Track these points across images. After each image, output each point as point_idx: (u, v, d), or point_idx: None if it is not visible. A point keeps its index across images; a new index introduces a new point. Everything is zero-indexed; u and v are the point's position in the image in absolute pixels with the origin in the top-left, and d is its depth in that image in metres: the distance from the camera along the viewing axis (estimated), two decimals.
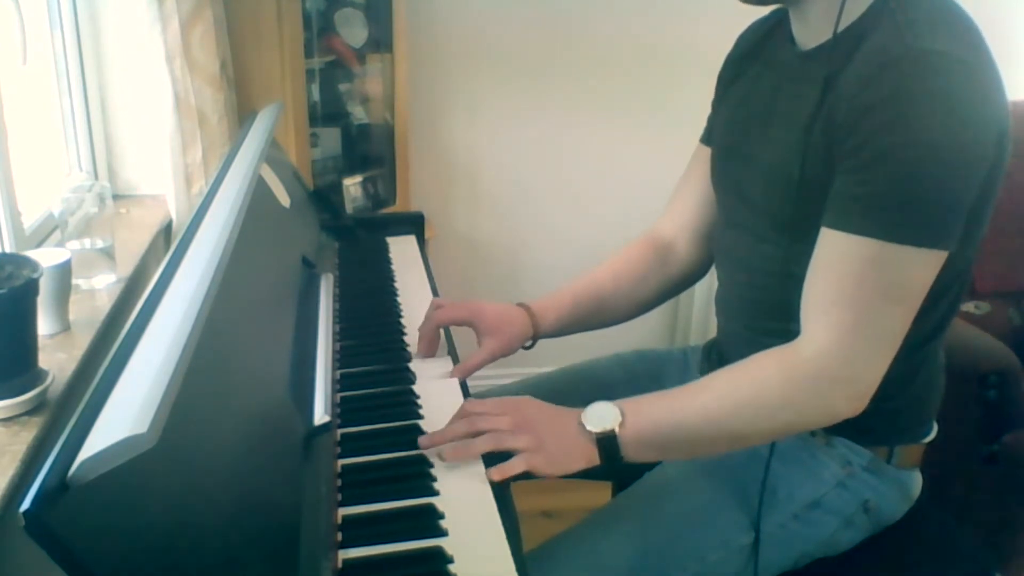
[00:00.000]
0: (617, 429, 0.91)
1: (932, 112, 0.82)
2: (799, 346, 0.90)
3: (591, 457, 0.92)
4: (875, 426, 0.99)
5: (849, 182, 0.87)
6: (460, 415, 0.95)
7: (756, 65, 1.09)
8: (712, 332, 1.25)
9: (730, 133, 1.10)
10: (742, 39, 1.16)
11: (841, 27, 0.91)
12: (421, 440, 0.92)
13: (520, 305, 1.19)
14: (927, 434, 1.07)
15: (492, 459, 0.90)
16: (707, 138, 1.19)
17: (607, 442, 0.92)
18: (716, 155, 1.13)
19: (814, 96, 0.92)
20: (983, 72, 0.85)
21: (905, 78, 0.82)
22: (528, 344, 1.19)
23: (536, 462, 0.89)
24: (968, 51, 0.85)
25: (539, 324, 1.18)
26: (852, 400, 0.89)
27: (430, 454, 0.91)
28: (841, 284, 0.87)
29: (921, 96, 0.82)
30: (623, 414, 0.92)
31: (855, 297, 0.86)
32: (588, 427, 0.92)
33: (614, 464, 0.92)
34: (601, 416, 0.93)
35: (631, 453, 0.92)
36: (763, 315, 1.04)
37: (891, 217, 0.84)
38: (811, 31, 0.97)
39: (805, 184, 0.92)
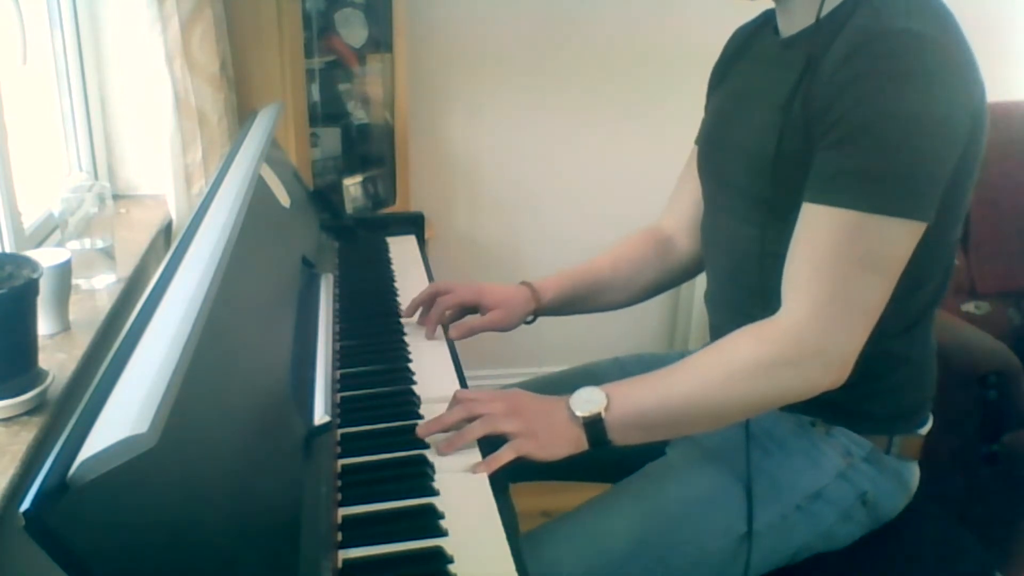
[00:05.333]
0: (603, 413, 0.94)
1: (907, 87, 0.85)
2: (776, 319, 0.93)
3: (579, 442, 0.94)
4: (874, 410, 1.01)
5: (827, 157, 0.90)
6: (454, 403, 0.97)
7: (742, 63, 1.13)
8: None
9: (714, 124, 1.14)
10: (729, 44, 1.20)
11: (823, 13, 0.95)
12: (419, 428, 0.94)
13: (523, 283, 1.26)
14: (923, 423, 1.08)
15: (487, 450, 0.92)
16: (699, 139, 1.23)
17: (594, 426, 0.94)
18: (701, 146, 1.17)
19: (793, 77, 0.95)
20: (956, 51, 0.88)
21: (881, 56, 0.86)
22: (529, 319, 1.26)
23: (527, 447, 0.92)
24: (941, 32, 0.88)
25: (540, 299, 1.24)
26: (829, 371, 0.91)
27: (432, 442, 0.93)
28: (819, 256, 0.89)
29: (896, 72, 0.85)
30: (608, 398, 0.95)
31: (832, 268, 0.89)
32: (575, 411, 0.95)
33: (602, 448, 0.95)
34: (587, 400, 0.95)
35: (617, 436, 0.95)
36: (747, 300, 1.06)
37: (867, 188, 0.87)
38: (794, 20, 1.01)
39: (782, 161, 0.95)
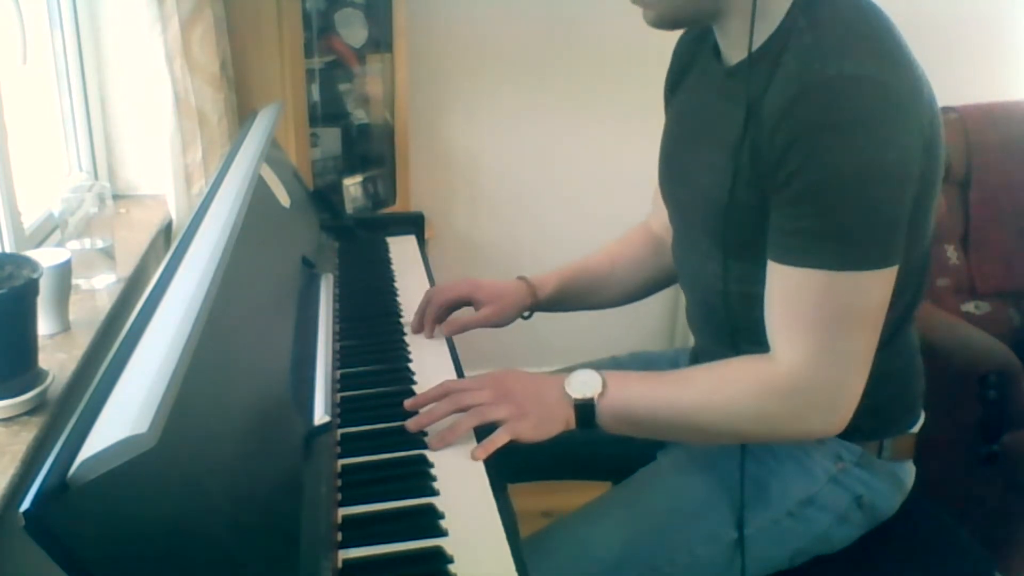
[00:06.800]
0: (596, 398, 0.95)
1: (851, 139, 0.81)
2: (774, 363, 0.91)
3: (569, 421, 0.95)
4: (862, 424, 0.99)
5: (784, 217, 0.87)
6: (441, 393, 0.97)
7: (690, 77, 1.09)
8: None
9: (669, 148, 1.11)
10: (675, 54, 1.14)
11: (756, 45, 0.90)
12: (409, 423, 0.94)
13: (520, 278, 1.26)
14: (915, 423, 1.07)
15: (481, 436, 0.93)
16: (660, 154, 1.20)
17: (584, 409, 0.95)
18: (660, 167, 1.13)
19: (738, 119, 0.91)
20: (898, 84, 0.83)
21: (820, 109, 0.82)
22: (526, 315, 1.25)
23: (520, 428, 0.92)
24: (880, 67, 0.83)
25: (537, 294, 1.24)
26: (828, 423, 0.91)
27: (428, 444, 0.93)
28: (798, 313, 0.88)
29: (840, 124, 0.82)
30: (605, 385, 0.95)
31: (815, 323, 0.87)
32: (570, 392, 0.95)
33: (589, 430, 0.95)
34: (584, 383, 0.96)
35: (605, 424, 0.95)
36: (717, 331, 1.05)
37: (831, 247, 0.84)
38: (733, 46, 0.96)
39: (735, 208, 0.93)
